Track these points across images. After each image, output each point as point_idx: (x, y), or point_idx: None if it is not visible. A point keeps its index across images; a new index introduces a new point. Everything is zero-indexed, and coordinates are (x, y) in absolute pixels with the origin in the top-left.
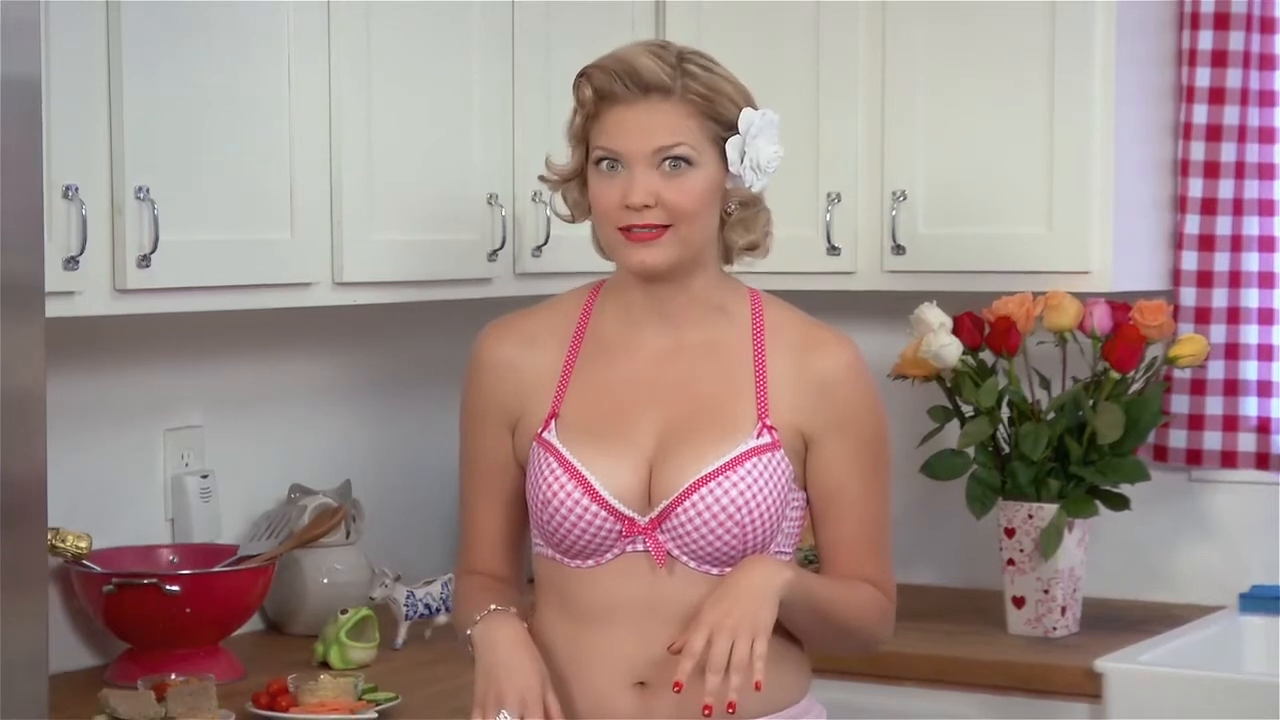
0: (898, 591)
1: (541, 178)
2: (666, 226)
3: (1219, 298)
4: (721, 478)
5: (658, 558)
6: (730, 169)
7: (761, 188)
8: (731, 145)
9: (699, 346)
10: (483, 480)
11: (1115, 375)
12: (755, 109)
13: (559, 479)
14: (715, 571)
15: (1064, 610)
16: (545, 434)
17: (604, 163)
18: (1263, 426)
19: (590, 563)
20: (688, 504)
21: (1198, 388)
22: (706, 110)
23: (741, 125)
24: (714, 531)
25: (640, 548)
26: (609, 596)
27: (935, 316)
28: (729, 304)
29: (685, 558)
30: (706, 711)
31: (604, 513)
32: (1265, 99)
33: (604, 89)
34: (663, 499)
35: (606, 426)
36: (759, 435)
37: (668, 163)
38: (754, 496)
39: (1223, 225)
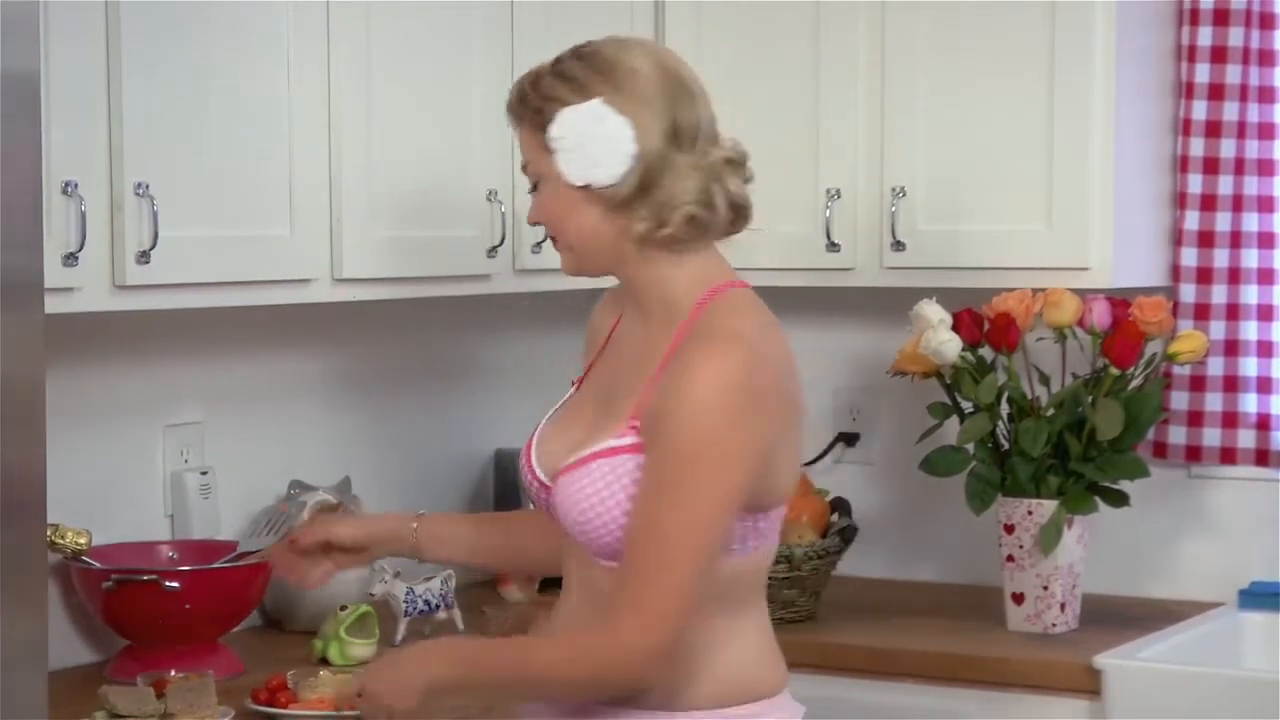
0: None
1: None
2: (554, 237)
3: (1218, 294)
4: (572, 472)
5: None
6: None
7: (608, 177)
8: (550, 150)
9: (639, 343)
10: None
11: (1115, 371)
12: (591, 101)
13: (525, 447)
14: (603, 562)
15: (1063, 606)
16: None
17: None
18: (1262, 423)
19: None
20: (554, 489)
21: (1197, 384)
22: (537, 124)
23: (556, 125)
24: (566, 520)
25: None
26: (566, 570)
27: (935, 313)
28: (678, 300)
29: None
30: None
31: (529, 475)
32: (1265, 95)
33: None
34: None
35: (573, 404)
36: (622, 435)
37: (529, 181)
38: (593, 494)
39: (1222, 221)
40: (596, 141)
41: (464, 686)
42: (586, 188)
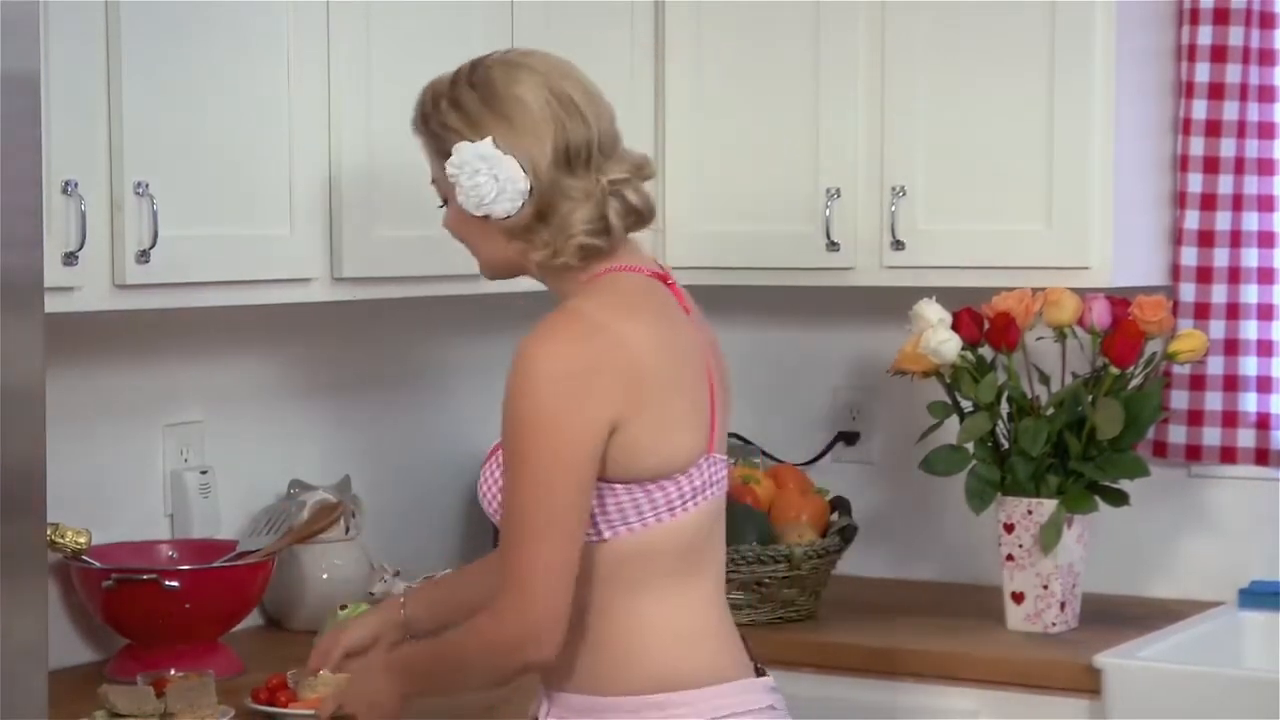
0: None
1: None
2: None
3: (1218, 293)
4: (485, 465)
5: None
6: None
7: (499, 212)
8: (454, 186)
9: None
10: None
11: (1114, 371)
12: (483, 137)
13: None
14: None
15: (1063, 606)
16: None
17: None
18: (1262, 422)
19: None
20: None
21: (1197, 383)
22: (435, 147)
23: (449, 161)
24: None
25: None
26: None
27: (934, 312)
28: (571, 295)
29: None
30: None
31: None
32: (1265, 94)
33: None
34: None
35: None
36: None
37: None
38: (490, 486)
39: (1222, 220)
40: (489, 179)
41: (424, 692)
42: (485, 218)
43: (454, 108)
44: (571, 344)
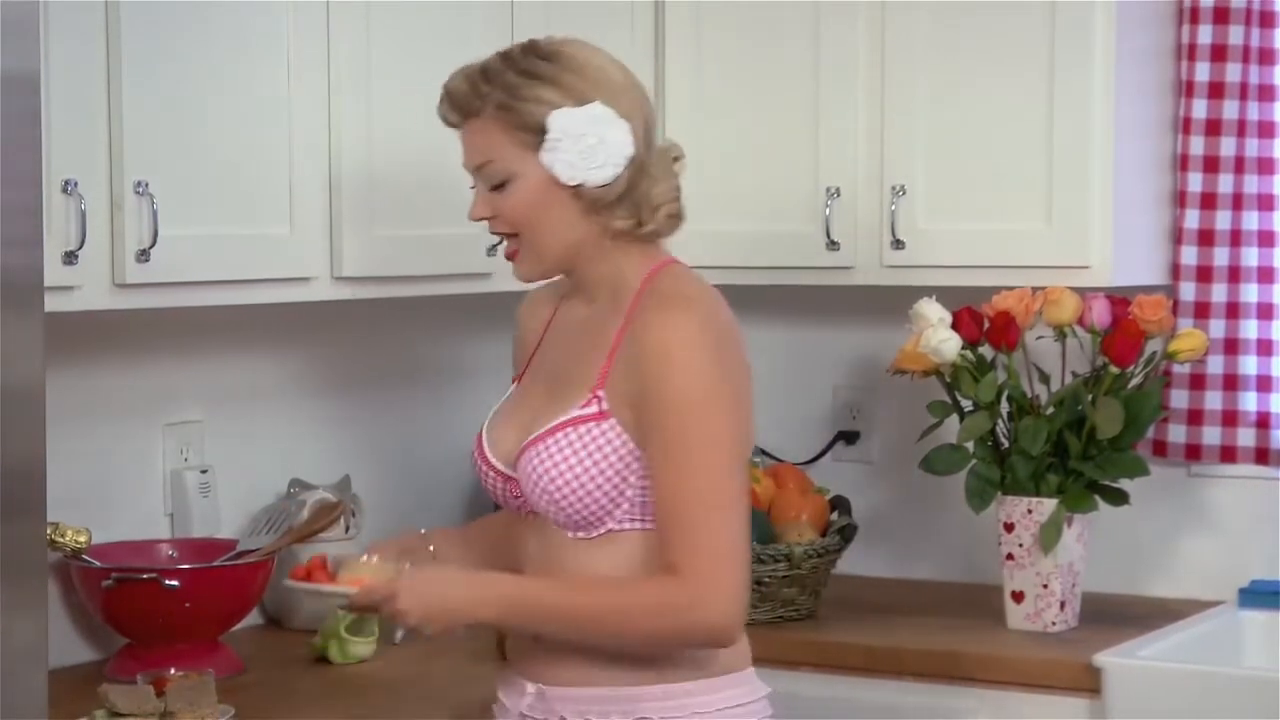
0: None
1: None
2: (515, 235)
3: (1218, 293)
4: (540, 444)
5: (528, 515)
6: (548, 170)
7: (604, 178)
8: (544, 149)
9: (584, 322)
10: None
11: (1114, 370)
12: (585, 104)
13: (475, 442)
14: (569, 534)
15: (1063, 605)
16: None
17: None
18: (1262, 421)
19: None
20: (518, 468)
21: (1197, 383)
22: (513, 122)
23: (549, 128)
24: (534, 494)
25: (521, 505)
26: (525, 552)
27: (934, 311)
28: (627, 279)
29: (546, 518)
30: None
31: (492, 473)
32: (1265, 94)
33: (441, 117)
34: None
35: (517, 394)
36: (585, 405)
37: (488, 179)
38: (563, 462)
39: (1222, 220)
40: (599, 142)
41: (501, 626)
42: (578, 187)
43: (531, 78)
44: (700, 325)
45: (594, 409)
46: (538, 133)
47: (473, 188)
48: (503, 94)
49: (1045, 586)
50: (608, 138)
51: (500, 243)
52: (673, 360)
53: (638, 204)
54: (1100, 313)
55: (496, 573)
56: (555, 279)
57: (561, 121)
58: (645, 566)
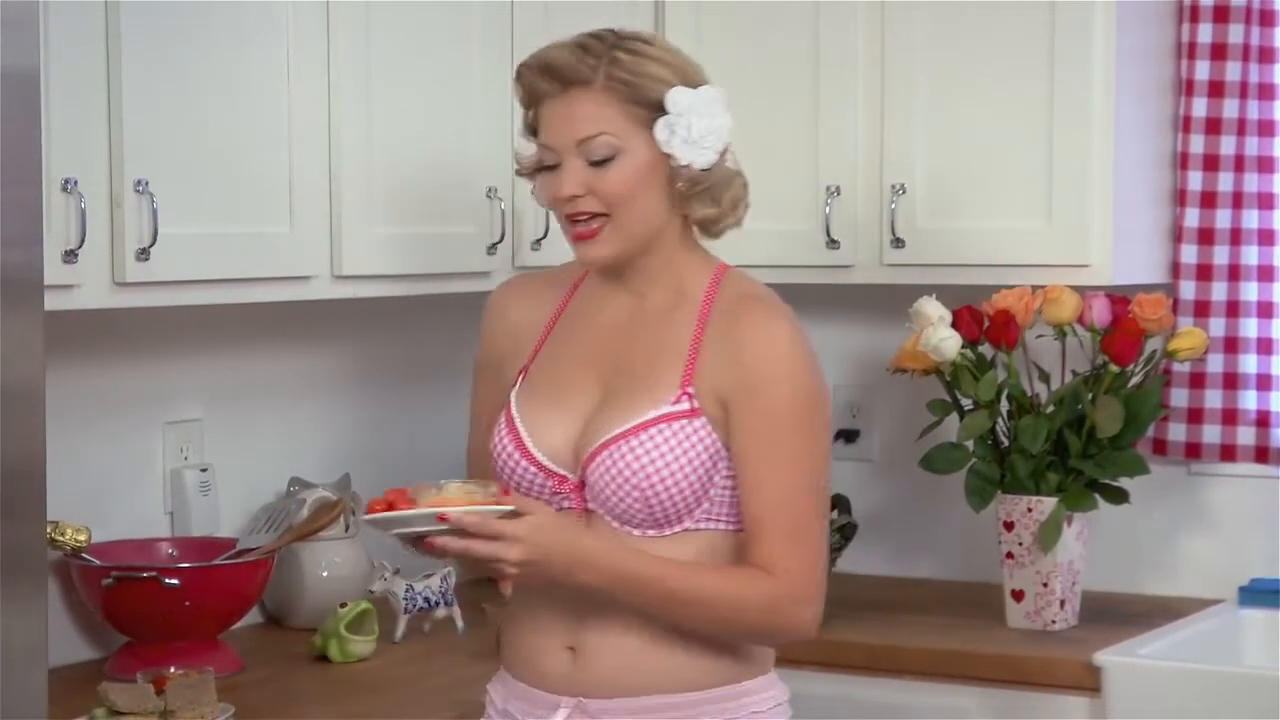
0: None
1: (517, 172)
2: (605, 215)
3: (1218, 291)
4: (626, 440)
5: (580, 514)
6: (661, 147)
7: (708, 162)
8: (660, 125)
9: (650, 316)
10: (479, 426)
11: (1114, 369)
12: (697, 87)
13: (501, 435)
14: (637, 533)
15: (1063, 604)
16: (512, 390)
17: (544, 156)
18: (1262, 420)
19: None
20: (595, 464)
21: (1197, 381)
22: (629, 95)
23: (669, 104)
24: (619, 491)
25: (569, 504)
26: None
27: (934, 310)
28: (689, 276)
29: (607, 516)
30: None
31: (533, 468)
32: (1265, 92)
33: (528, 84)
34: (583, 458)
35: (555, 388)
36: (676, 401)
37: (594, 152)
38: (654, 461)
39: (1222, 219)
40: (707, 126)
41: (600, 592)
42: (683, 168)
43: (642, 56)
44: (799, 328)
45: (685, 405)
46: (653, 109)
47: (549, 167)
48: (617, 67)
49: (1045, 585)
50: (717, 122)
51: (581, 222)
52: (784, 361)
53: (717, 196)
54: (1100, 311)
55: (608, 539)
56: (531, 271)
57: (683, 99)
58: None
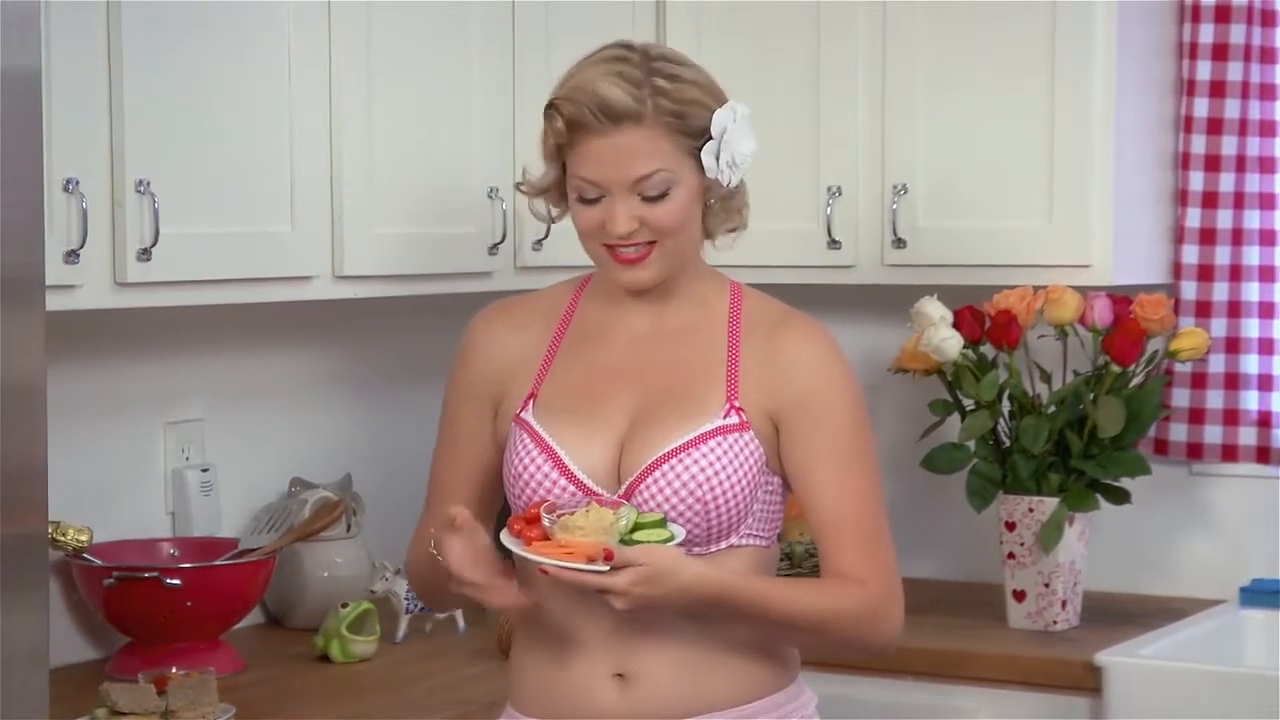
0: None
1: (518, 186)
2: (652, 243)
3: (1220, 291)
4: (684, 454)
5: None
6: (708, 174)
7: (737, 180)
8: (707, 152)
9: (677, 332)
10: (458, 458)
11: (1116, 369)
12: (725, 104)
13: (531, 455)
14: (685, 550)
15: (1064, 604)
16: (523, 414)
17: (585, 190)
18: (1263, 420)
19: None
20: (650, 480)
21: (1198, 381)
22: (679, 127)
23: (715, 129)
24: (681, 504)
25: None
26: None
27: (936, 310)
28: (709, 293)
29: None
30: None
31: (572, 487)
32: (1266, 92)
33: (575, 120)
34: (629, 475)
35: (582, 406)
36: (726, 416)
37: (650, 189)
38: (717, 474)
39: (1224, 219)
40: (748, 149)
41: (729, 617)
42: (721, 186)
43: (679, 81)
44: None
45: (735, 420)
46: (698, 137)
47: (589, 200)
48: (663, 98)
49: (1046, 585)
50: (748, 141)
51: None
52: (838, 377)
53: (739, 208)
54: (1101, 311)
55: (705, 562)
56: (510, 297)
57: (724, 122)
58: None
